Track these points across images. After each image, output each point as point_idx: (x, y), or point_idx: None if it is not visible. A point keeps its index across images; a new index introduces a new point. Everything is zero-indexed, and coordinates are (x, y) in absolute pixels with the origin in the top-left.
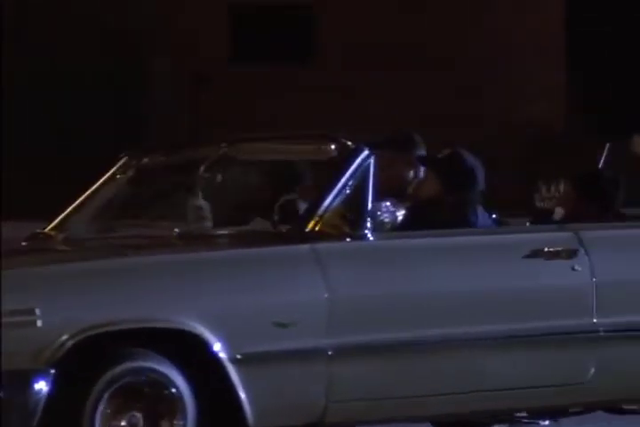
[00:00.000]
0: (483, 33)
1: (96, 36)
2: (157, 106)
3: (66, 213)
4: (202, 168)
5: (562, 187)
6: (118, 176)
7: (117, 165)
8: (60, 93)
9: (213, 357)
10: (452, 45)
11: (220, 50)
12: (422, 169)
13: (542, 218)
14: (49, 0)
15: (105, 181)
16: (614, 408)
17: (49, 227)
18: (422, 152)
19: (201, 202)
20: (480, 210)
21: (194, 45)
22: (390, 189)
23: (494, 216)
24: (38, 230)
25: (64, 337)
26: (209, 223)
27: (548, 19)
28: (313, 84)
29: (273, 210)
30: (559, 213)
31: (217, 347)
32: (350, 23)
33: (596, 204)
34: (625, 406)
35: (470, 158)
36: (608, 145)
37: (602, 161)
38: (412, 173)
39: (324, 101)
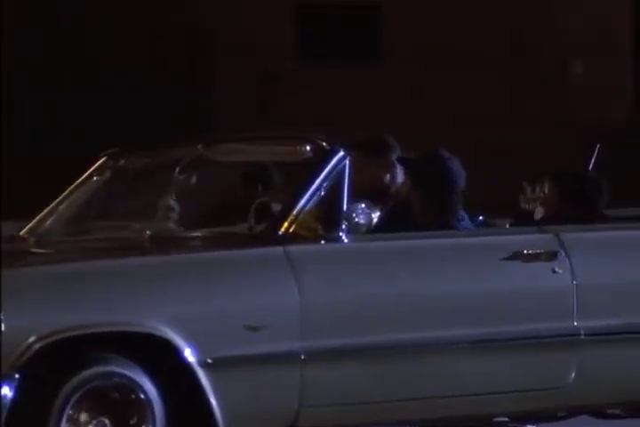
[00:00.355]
0: (553, 33)
1: (166, 35)
2: (227, 105)
3: (42, 214)
4: (177, 169)
5: (546, 188)
6: (95, 177)
7: (94, 166)
8: (126, 93)
9: (183, 361)
10: (522, 45)
11: (289, 49)
12: (400, 172)
13: (525, 219)
14: (120, 2)
15: (82, 182)
16: (598, 412)
17: (25, 229)
18: (396, 155)
19: (171, 202)
20: (462, 213)
21: (263, 44)
22: (363, 192)
23: (480, 218)
24: (15, 233)
25: (29, 341)
26: (173, 224)
27: (617, 18)
28: (381, 83)
29: (249, 211)
30: (540, 212)
31: (187, 351)
32: (419, 22)
33: (577, 205)
34: (608, 411)
35: (448, 160)
36: (598, 146)
37: (591, 162)
38: (387, 177)
39: (393, 100)
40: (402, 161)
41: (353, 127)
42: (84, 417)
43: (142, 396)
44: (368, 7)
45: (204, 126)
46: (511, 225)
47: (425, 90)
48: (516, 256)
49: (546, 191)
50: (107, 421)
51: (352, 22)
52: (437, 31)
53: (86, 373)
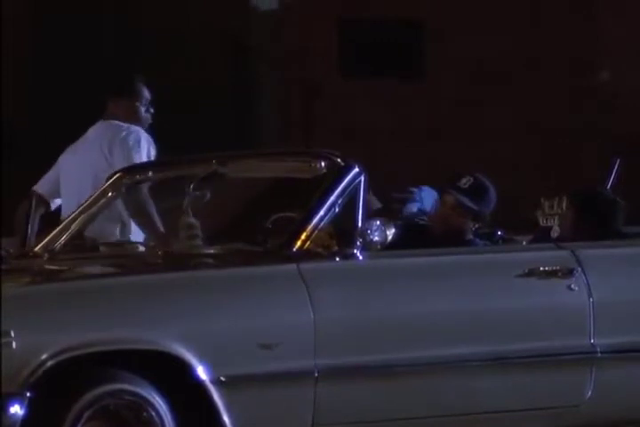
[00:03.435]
0: (597, 45)
1: (210, 49)
2: (271, 118)
3: (57, 230)
4: (191, 186)
5: (564, 204)
6: (110, 193)
7: (109, 182)
8: (172, 104)
9: (196, 379)
10: (565, 59)
11: (331, 64)
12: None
13: (542, 236)
14: (164, 15)
15: (97, 198)
16: None
17: (39, 245)
18: None
19: (192, 220)
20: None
21: (305, 59)
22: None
23: (499, 233)
24: (27, 249)
25: (40, 359)
26: (199, 241)
27: None
28: (424, 97)
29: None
30: (556, 230)
31: (200, 369)
32: (460, 37)
33: (593, 222)
34: None
35: (489, 183)
36: (617, 161)
37: (610, 178)
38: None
39: (437, 114)
40: (449, 188)
41: (396, 142)
42: None
43: (154, 414)
44: (410, 22)
45: (248, 139)
46: (531, 241)
47: (468, 104)
48: (532, 273)
49: (564, 208)
50: None
51: (394, 37)
52: (479, 45)
53: (97, 391)
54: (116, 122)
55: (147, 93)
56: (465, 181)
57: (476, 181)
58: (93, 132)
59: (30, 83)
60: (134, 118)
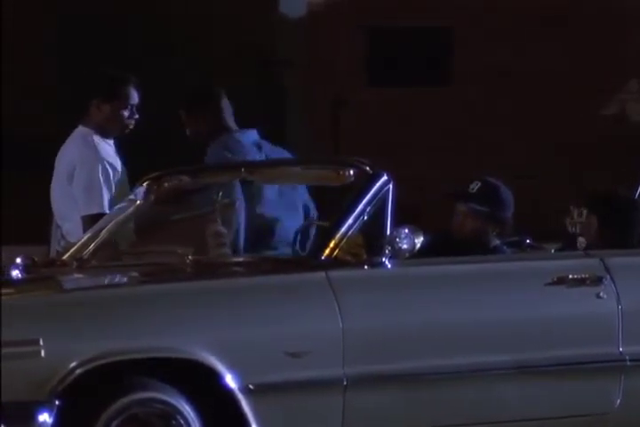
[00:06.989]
0: (623, 54)
1: (235, 58)
2: (300, 131)
3: (85, 238)
4: (220, 193)
5: (584, 214)
6: (138, 202)
7: (137, 189)
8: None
9: (225, 387)
10: (591, 72)
11: (359, 73)
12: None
13: (571, 244)
14: (194, 28)
15: (124, 206)
16: None
17: (68, 253)
18: None
19: (220, 228)
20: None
21: (333, 71)
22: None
23: (528, 241)
24: (55, 257)
25: (69, 367)
26: (228, 250)
27: None
28: (452, 107)
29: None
30: (582, 242)
31: (228, 377)
32: (489, 46)
33: (616, 229)
34: None
35: (502, 186)
36: None
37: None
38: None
39: (464, 125)
40: (457, 196)
41: (424, 150)
42: None
43: (183, 422)
44: (437, 30)
45: None
46: (559, 249)
47: (497, 112)
48: (561, 281)
49: (584, 218)
50: None
51: (421, 46)
52: (507, 55)
53: (126, 399)
54: (88, 135)
55: (134, 97)
56: (473, 186)
57: (483, 185)
58: (68, 143)
59: (30, 83)
60: (114, 125)
